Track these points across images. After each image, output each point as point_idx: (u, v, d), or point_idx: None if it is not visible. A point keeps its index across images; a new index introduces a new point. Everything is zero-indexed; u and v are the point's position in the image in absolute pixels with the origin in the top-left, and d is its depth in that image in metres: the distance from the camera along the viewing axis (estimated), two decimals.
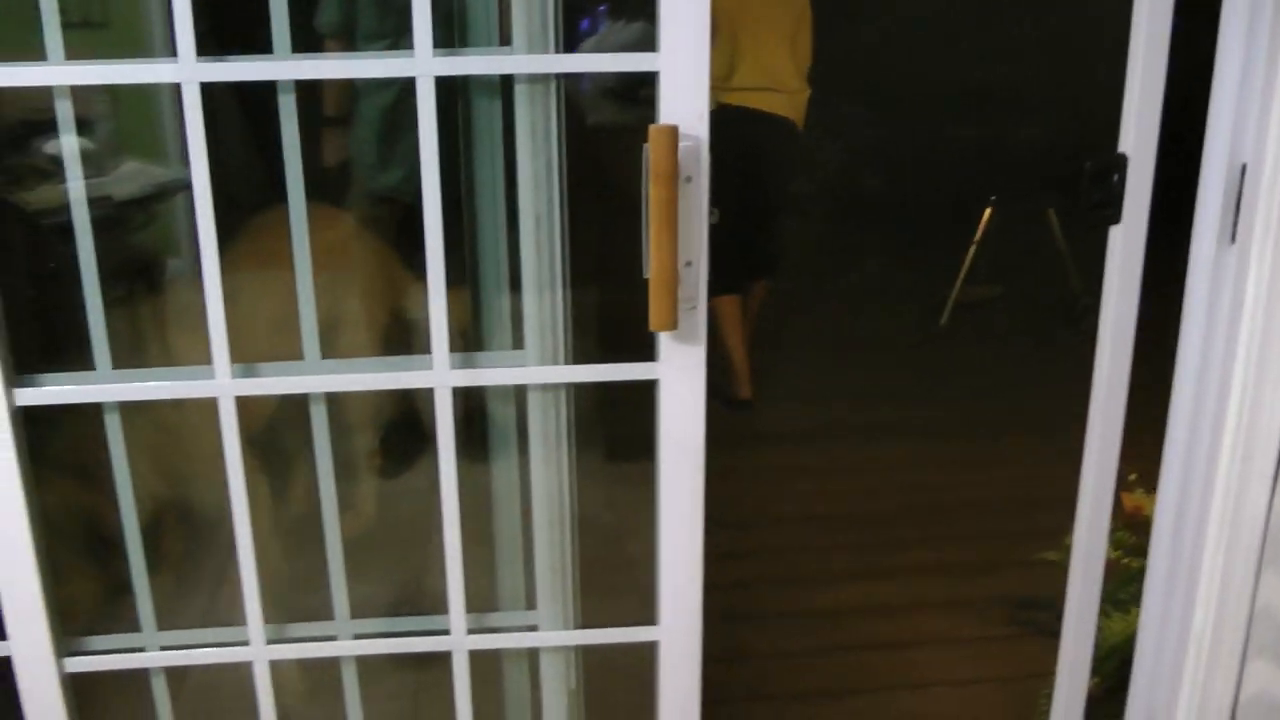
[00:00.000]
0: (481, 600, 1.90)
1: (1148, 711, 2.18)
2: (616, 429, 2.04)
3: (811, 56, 4.43)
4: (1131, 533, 2.75)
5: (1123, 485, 2.85)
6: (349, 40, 2.89)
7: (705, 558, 1.76)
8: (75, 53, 1.58)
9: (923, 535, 3.55)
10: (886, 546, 3.47)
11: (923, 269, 5.62)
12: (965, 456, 4.06)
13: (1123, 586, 2.72)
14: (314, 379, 1.69)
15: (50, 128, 1.64)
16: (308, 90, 3.15)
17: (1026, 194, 5.37)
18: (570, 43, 4.71)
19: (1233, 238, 1.87)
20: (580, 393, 1.81)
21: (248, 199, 2.15)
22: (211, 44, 1.63)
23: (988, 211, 5.28)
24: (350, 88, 3.06)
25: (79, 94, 1.64)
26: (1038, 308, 5.35)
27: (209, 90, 1.54)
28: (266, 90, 1.61)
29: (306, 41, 2.58)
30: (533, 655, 1.97)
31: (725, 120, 1.50)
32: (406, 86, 1.53)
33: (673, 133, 1.44)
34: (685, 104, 1.49)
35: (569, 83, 4.15)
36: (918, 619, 3.17)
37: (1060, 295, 5.18)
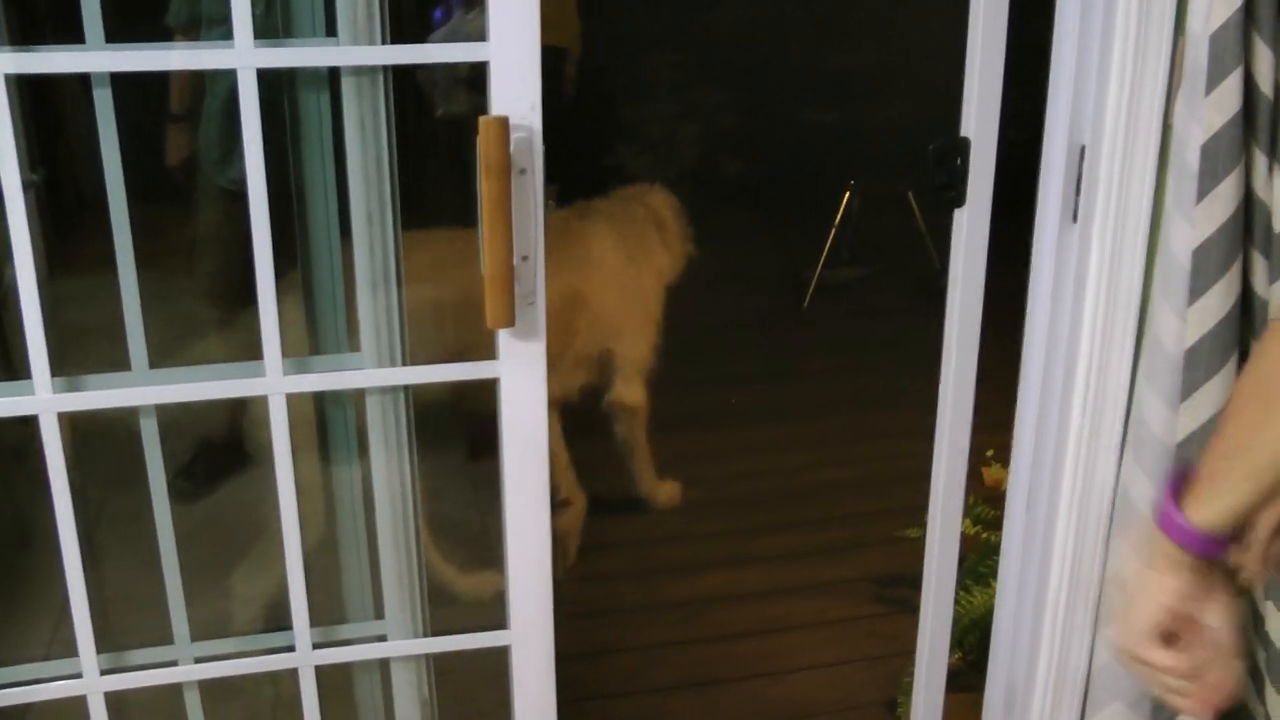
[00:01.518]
0: (329, 613, 1.86)
1: (1007, 682, 2.21)
2: (477, 425, 2.00)
3: None
4: (991, 507, 2.78)
5: (981, 460, 2.90)
6: (198, 34, 2.81)
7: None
8: None
9: (788, 518, 3.56)
10: (752, 531, 3.46)
11: (785, 252, 5.64)
12: (829, 437, 4.08)
13: (983, 560, 2.75)
14: (141, 390, 1.62)
15: None
16: (158, 88, 3.06)
17: (886, 176, 5.41)
18: (424, 31, 4.64)
19: (1075, 217, 1.90)
20: (436, 389, 1.77)
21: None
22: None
23: (847, 194, 5.31)
24: (198, 83, 2.99)
25: None
26: (900, 287, 5.39)
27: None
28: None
29: (158, 37, 2.50)
30: (384, 665, 1.92)
31: None
32: (260, 78, 1.48)
33: (503, 124, 1.41)
34: (517, 94, 1.46)
35: (422, 73, 4.09)
36: (783, 604, 3.17)
37: (922, 274, 5.23)
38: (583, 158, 5.31)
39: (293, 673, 1.74)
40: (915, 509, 2.23)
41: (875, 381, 4.36)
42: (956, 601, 2.52)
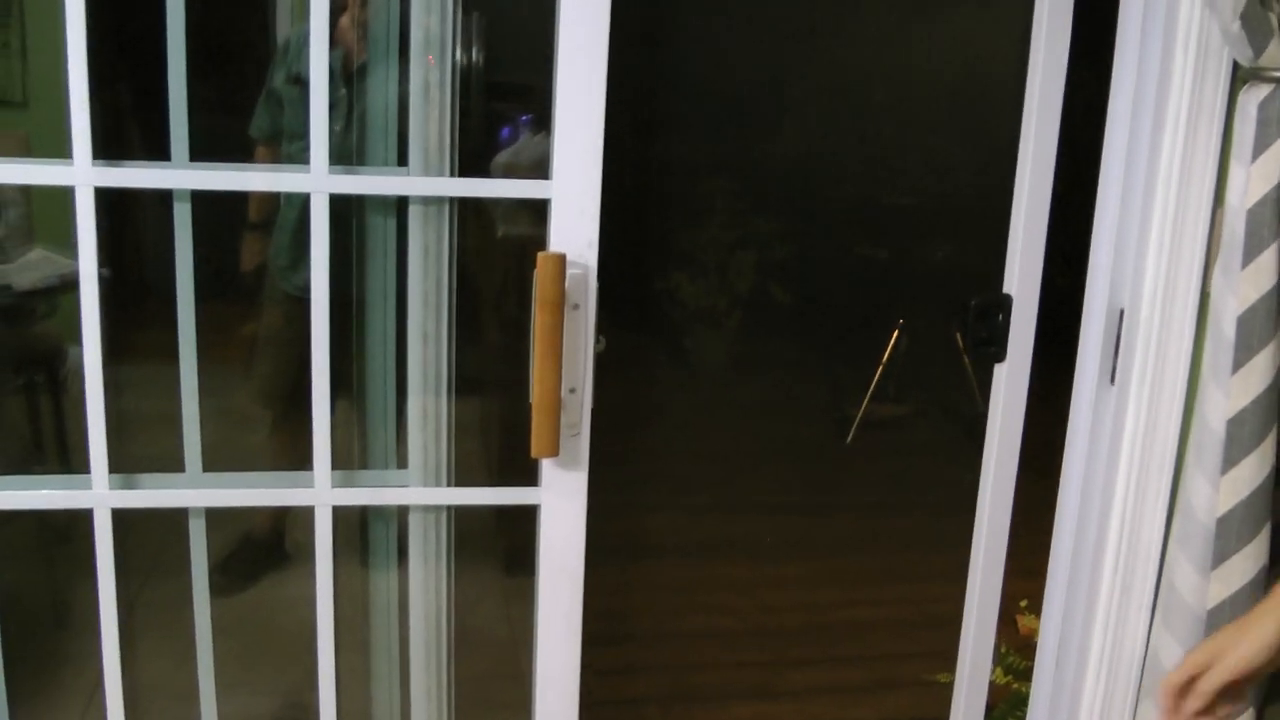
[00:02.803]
0: (357, 714, 1.88)
1: None
2: (517, 541, 2.03)
3: None
4: (1023, 657, 2.77)
5: (1014, 608, 2.89)
6: (278, 146, 2.91)
7: (596, 674, 1.74)
8: None
9: (819, 654, 3.54)
10: (781, 664, 3.45)
11: (832, 385, 5.67)
12: (866, 574, 4.07)
13: (1012, 710, 2.73)
14: (193, 493, 1.67)
15: None
16: (237, 196, 3.16)
17: (935, 315, 5.45)
18: (491, 148, 4.74)
19: (1113, 379, 1.92)
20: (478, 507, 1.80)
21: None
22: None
23: (895, 332, 5.34)
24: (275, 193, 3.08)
25: None
26: (943, 428, 5.40)
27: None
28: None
29: (240, 145, 2.61)
30: None
31: None
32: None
33: (560, 260, 1.46)
34: (575, 232, 1.51)
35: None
36: None
37: (966, 416, 5.24)
38: (639, 281, 5.40)
39: None
40: (946, 653, 2.22)
41: (913, 522, 4.35)
42: None
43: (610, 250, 1.53)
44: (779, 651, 3.52)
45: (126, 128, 2.06)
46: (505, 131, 4.90)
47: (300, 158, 1.58)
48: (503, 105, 4.99)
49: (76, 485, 1.60)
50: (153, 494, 1.63)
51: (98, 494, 1.59)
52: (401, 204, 1.72)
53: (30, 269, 3.16)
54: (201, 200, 1.67)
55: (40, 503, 1.62)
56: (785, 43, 5.99)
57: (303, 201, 2.68)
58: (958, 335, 5.32)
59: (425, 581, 1.82)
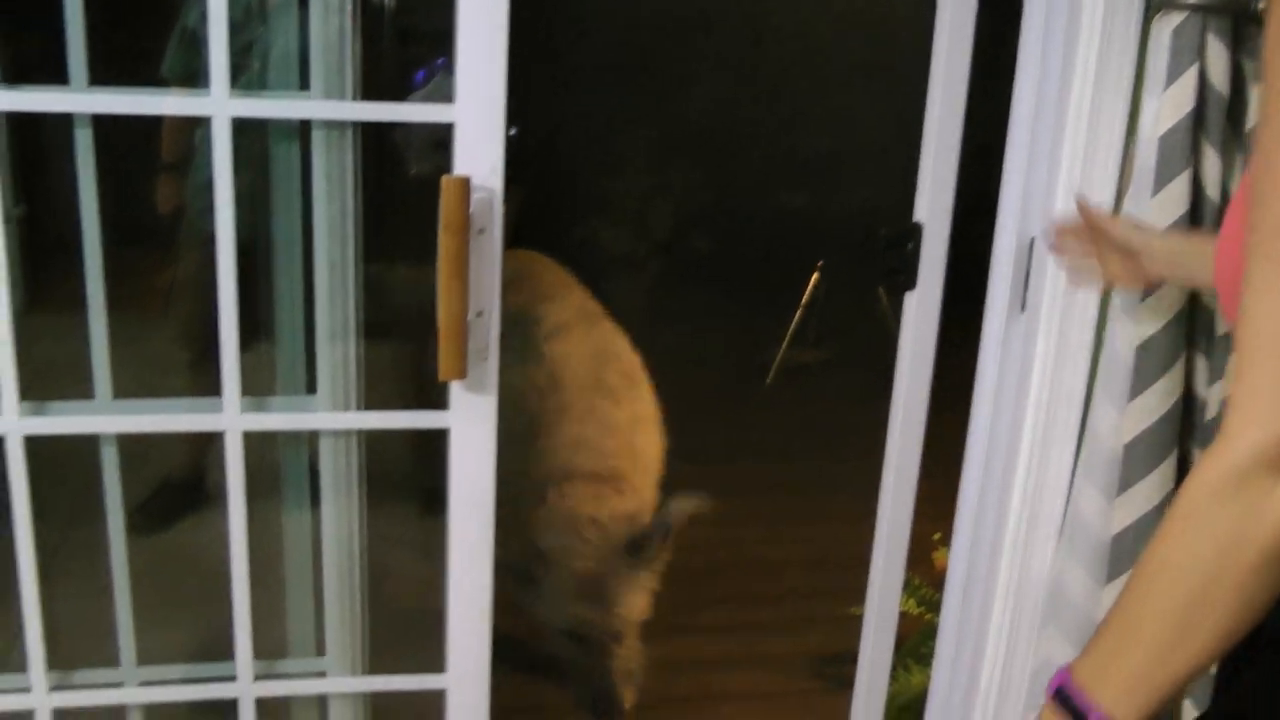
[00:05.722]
0: (273, 647, 1.87)
1: None
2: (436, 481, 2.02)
3: None
4: (937, 590, 2.81)
5: (929, 544, 2.93)
6: (193, 87, 2.86)
7: (508, 610, 1.73)
8: None
9: (734, 592, 3.57)
10: (696, 603, 3.46)
11: (751, 331, 5.68)
12: (783, 515, 4.09)
13: (925, 641, 2.78)
14: (103, 419, 1.65)
15: None
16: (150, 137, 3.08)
17: (855, 261, 5.46)
18: (404, 93, 4.67)
19: (1023, 307, 1.93)
20: (399, 446, 1.79)
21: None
22: None
23: (814, 275, 5.35)
24: (190, 133, 3.04)
25: None
26: (863, 372, 5.42)
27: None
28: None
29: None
30: (323, 702, 1.92)
31: None
32: (240, 128, 1.52)
33: (464, 184, 1.45)
34: (480, 156, 1.50)
35: (400, 133, 4.14)
36: (722, 675, 3.17)
37: (886, 360, 5.26)
38: (557, 229, 5.37)
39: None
40: (859, 589, 2.24)
41: (833, 464, 4.37)
42: (895, 680, 2.54)
43: (527, 199, 1.53)
44: (696, 590, 3.53)
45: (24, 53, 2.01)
46: (420, 75, 4.85)
47: None
48: (417, 50, 4.94)
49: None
50: (62, 420, 1.60)
51: (7, 421, 1.56)
52: (307, 132, 1.70)
53: None
54: (115, 141, 1.64)
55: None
56: None
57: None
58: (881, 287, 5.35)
59: (337, 509, 1.81)
